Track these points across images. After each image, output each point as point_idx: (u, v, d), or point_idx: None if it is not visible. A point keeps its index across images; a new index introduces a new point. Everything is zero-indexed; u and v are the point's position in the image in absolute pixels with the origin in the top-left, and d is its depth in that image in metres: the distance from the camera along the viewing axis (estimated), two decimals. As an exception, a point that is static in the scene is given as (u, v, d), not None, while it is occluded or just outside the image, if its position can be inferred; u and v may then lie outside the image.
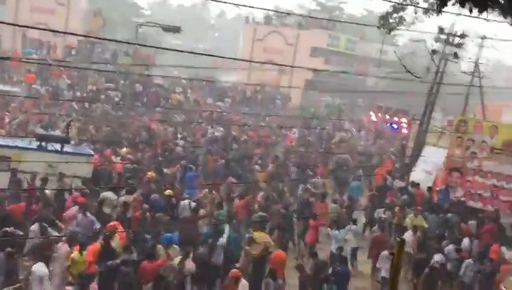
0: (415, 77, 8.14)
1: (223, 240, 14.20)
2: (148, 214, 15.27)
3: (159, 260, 12.76)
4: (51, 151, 17.62)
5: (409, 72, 7.92)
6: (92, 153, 19.12)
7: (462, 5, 6.57)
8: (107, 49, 40.67)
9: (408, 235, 16.11)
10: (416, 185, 21.19)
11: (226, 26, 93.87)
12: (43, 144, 17.90)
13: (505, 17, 7.47)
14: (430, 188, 21.05)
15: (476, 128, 21.46)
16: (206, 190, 18.03)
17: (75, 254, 11.92)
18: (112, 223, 13.78)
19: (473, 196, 20.61)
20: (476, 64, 34.37)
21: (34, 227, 13.27)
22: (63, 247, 12.35)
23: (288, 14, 47.12)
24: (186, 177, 19.97)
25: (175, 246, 13.41)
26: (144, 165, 20.37)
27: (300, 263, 13.81)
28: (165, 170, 20.01)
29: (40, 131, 21.89)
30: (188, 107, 33.79)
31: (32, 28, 28.74)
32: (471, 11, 6.64)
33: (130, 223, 15.11)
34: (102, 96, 32.36)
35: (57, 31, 10.05)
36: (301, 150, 27.69)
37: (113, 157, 20.57)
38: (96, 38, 35.16)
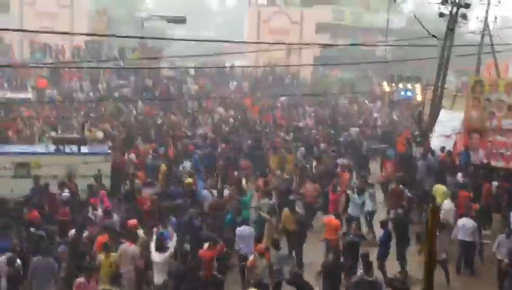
0: (433, 36, 8.10)
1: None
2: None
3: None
4: (68, 153, 17.88)
5: (427, 31, 7.90)
6: (109, 151, 19.30)
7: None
8: (114, 46, 40.83)
9: (447, 203, 15.98)
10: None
11: (229, 12, 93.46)
12: (60, 147, 18.14)
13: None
14: (449, 152, 21.01)
15: (492, 88, 21.27)
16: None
17: (100, 256, 11.85)
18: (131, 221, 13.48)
19: (495, 155, 20.48)
20: (486, 23, 33.95)
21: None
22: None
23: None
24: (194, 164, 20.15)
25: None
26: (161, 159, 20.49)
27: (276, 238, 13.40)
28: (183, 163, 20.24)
29: (56, 134, 22.17)
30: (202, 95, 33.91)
31: (40, 32, 28.84)
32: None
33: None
34: (116, 94, 32.60)
35: (66, 33, 10.15)
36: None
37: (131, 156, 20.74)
38: (103, 36, 35.25)
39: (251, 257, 12.41)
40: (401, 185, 17.55)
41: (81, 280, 10.83)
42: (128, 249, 12.10)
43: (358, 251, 12.85)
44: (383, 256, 13.81)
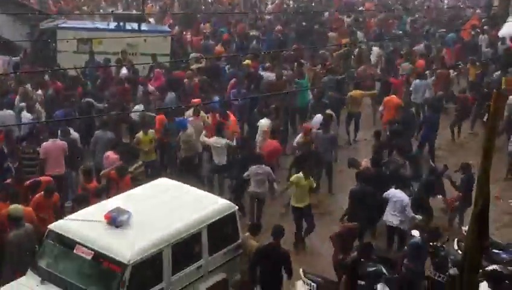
0: None
1: None
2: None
3: None
4: (128, 30, 17.95)
5: None
6: (169, 30, 19.28)
7: None
8: None
9: None
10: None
11: None
12: (121, 23, 18.20)
13: None
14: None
15: None
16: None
17: (139, 134, 12.36)
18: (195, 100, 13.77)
19: None
20: None
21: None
22: None
23: None
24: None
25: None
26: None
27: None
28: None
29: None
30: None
31: None
32: None
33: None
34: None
35: None
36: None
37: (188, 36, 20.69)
38: None
39: None
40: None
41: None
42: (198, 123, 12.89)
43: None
44: None
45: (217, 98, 14.50)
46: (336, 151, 13.58)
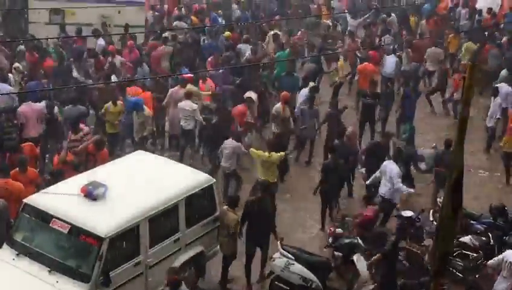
0: None
1: None
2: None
3: None
4: (102, 1, 17.55)
5: None
6: (144, 1, 18.92)
7: None
8: None
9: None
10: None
11: None
12: None
13: None
14: (494, 13, 20.10)
15: None
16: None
17: (109, 105, 12.20)
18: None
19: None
20: None
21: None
22: None
23: None
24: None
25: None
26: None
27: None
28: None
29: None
30: None
31: None
32: None
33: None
34: None
35: None
36: None
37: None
38: None
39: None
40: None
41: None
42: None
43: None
44: None
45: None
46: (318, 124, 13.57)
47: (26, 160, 9.55)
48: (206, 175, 9.15)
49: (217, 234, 8.87)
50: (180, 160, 11.64)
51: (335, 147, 11.10)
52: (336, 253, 8.94)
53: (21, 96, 11.98)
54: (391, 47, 16.69)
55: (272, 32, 17.34)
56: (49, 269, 7.32)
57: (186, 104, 12.21)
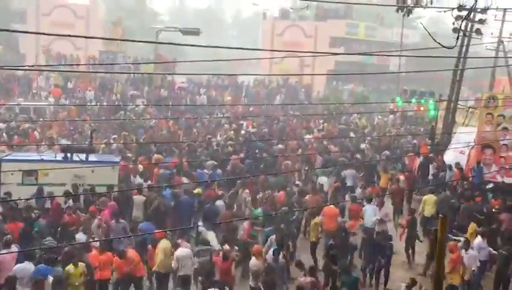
0: (445, 46, 7.95)
1: None
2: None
3: None
4: (76, 161, 17.79)
5: (436, 42, 7.76)
6: (118, 160, 19.18)
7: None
8: (129, 57, 40.89)
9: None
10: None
11: (243, 24, 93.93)
12: (68, 155, 18.04)
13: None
14: (461, 169, 20.84)
15: (506, 103, 21.09)
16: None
17: (70, 267, 11.94)
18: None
19: (508, 171, 20.24)
20: (500, 39, 33.74)
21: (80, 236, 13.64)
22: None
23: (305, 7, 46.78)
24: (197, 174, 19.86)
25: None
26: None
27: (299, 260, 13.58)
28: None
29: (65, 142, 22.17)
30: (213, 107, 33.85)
31: (60, 35, 29.10)
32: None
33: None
34: (130, 104, 32.63)
35: (88, 37, 10.03)
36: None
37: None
38: (120, 40, 35.46)
39: None
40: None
41: None
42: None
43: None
44: None
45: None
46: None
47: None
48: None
49: None
50: None
51: None
52: None
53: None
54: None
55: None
56: None
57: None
